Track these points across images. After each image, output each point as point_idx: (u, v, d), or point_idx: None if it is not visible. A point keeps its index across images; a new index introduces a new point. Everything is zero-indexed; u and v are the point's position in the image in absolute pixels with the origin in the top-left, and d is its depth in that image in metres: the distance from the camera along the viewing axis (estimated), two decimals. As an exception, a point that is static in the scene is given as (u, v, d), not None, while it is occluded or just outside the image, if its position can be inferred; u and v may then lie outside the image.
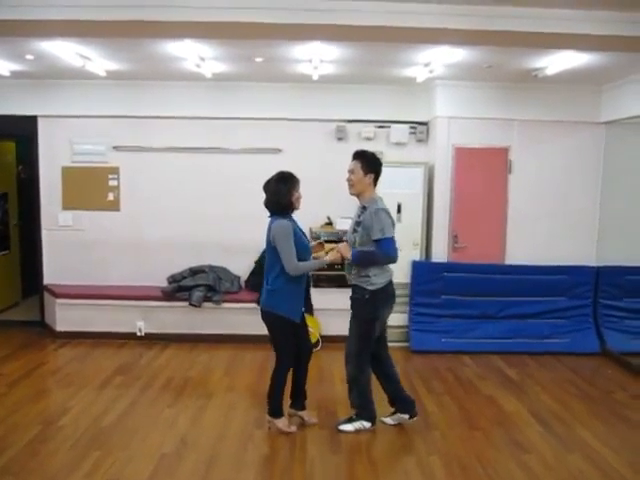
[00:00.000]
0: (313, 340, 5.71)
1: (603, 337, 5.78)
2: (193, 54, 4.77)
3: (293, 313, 3.79)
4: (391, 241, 3.78)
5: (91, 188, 6.24)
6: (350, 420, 3.94)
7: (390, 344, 5.79)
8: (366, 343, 3.86)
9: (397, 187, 5.80)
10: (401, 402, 4.02)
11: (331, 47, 4.53)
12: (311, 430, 3.93)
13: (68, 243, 6.27)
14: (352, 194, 3.90)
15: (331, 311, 5.84)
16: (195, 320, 5.85)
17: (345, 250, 3.81)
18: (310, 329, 5.72)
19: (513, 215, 6.01)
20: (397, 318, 5.89)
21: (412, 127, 6.18)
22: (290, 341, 3.83)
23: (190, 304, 5.77)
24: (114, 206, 6.27)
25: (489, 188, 5.99)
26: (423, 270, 5.85)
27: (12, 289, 7.14)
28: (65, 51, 4.65)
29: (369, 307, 3.81)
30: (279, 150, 6.17)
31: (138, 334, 5.93)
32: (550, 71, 5.01)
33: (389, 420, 4.04)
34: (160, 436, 3.80)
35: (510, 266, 5.95)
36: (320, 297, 5.85)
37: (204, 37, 4.31)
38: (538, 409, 4.35)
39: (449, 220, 5.96)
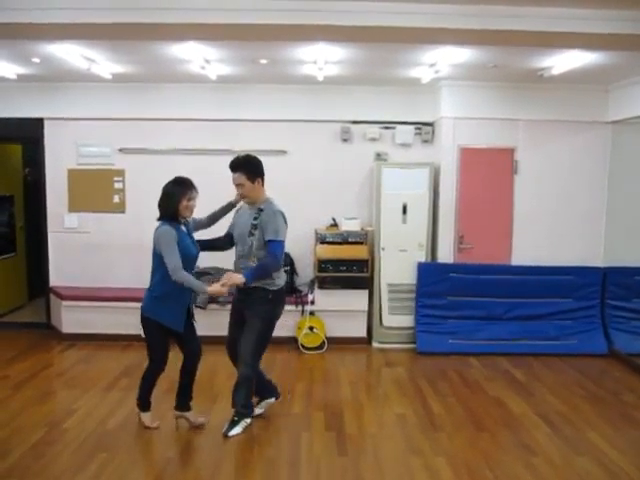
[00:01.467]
0: (318, 342, 5.74)
1: (611, 338, 5.74)
2: (198, 56, 4.78)
3: (176, 324, 3.74)
4: (282, 245, 3.79)
5: (97, 190, 6.25)
6: (234, 423, 3.85)
7: (396, 345, 5.86)
8: (264, 343, 3.88)
9: (402, 188, 5.79)
10: (263, 388, 4.11)
11: (336, 48, 4.52)
12: (316, 432, 3.92)
13: (74, 245, 6.28)
14: (248, 203, 3.87)
15: (336, 312, 5.84)
16: (201, 322, 5.77)
17: (234, 278, 3.64)
18: (315, 330, 5.75)
19: (519, 215, 5.97)
20: (403, 319, 5.90)
21: (417, 128, 6.17)
22: (164, 347, 3.82)
23: (195, 306, 5.75)
24: (120, 208, 6.28)
25: (495, 189, 5.96)
26: (429, 271, 5.83)
27: (18, 291, 7.16)
28: (71, 54, 4.67)
29: (271, 306, 3.83)
30: (284, 152, 6.16)
31: (143, 336, 5.92)
32: (556, 71, 4.98)
33: (258, 410, 4.07)
34: (165, 439, 3.80)
35: (516, 267, 5.92)
36: (325, 299, 5.84)
37: (209, 39, 4.32)
38: (545, 411, 4.32)
39: (455, 221, 5.94)
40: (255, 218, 3.77)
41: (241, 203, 4.01)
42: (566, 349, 5.65)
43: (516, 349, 5.64)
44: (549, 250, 5.96)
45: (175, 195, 3.68)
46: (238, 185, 3.80)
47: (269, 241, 3.71)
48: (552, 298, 5.82)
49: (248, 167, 3.80)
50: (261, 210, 3.78)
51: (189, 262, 3.69)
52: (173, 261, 3.55)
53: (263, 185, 3.88)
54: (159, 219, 3.74)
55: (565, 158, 5.97)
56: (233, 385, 3.90)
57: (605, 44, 4.16)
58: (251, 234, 3.76)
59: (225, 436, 3.80)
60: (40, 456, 3.51)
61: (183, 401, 3.97)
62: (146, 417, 3.93)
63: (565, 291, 5.82)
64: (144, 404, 3.93)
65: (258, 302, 3.79)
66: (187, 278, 3.58)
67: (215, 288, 3.65)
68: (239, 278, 3.64)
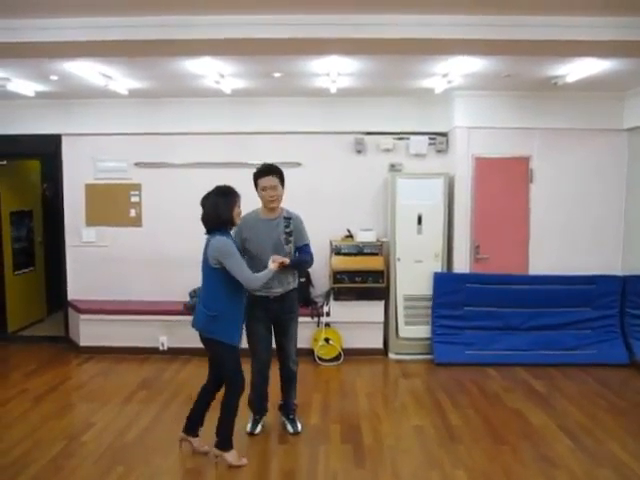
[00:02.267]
0: (334, 354, 5.72)
1: (631, 348, 5.64)
2: (212, 71, 4.84)
3: (236, 338, 3.57)
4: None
5: (114, 204, 6.33)
6: (295, 420, 4.14)
7: (413, 357, 5.83)
8: None
9: (417, 198, 5.78)
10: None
11: (348, 60, 4.55)
12: (333, 444, 3.90)
13: (91, 259, 6.35)
14: (271, 208, 3.89)
15: (352, 324, 5.83)
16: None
17: (279, 258, 3.70)
18: (331, 342, 5.74)
19: (535, 225, 5.93)
20: (420, 330, 5.86)
21: (431, 138, 6.17)
22: (238, 363, 3.57)
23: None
24: (136, 222, 6.35)
25: (510, 198, 5.93)
26: (445, 281, 5.80)
27: (37, 305, 7.25)
28: (88, 71, 4.75)
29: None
30: (299, 164, 6.19)
31: (161, 349, 5.97)
32: (570, 78, 4.95)
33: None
34: (183, 451, 3.80)
35: (533, 276, 5.87)
36: (341, 310, 5.83)
37: (223, 54, 4.37)
38: (566, 422, 4.26)
39: (470, 231, 5.91)
40: (287, 226, 3.88)
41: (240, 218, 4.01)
42: (585, 359, 5.57)
43: (535, 359, 5.58)
44: (566, 259, 5.90)
45: (227, 204, 3.52)
46: (272, 188, 3.82)
47: (306, 245, 3.98)
48: (570, 307, 5.75)
49: (281, 173, 3.92)
50: (289, 218, 3.90)
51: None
52: (244, 272, 3.43)
53: None
54: (208, 232, 3.56)
55: (581, 166, 5.92)
56: (285, 384, 4.15)
57: (620, 51, 4.14)
58: (287, 241, 3.87)
59: (297, 433, 4.04)
60: (59, 469, 3.53)
61: (196, 427, 3.74)
62: (232, 455, 3.58)
63: (583, 300, 5.75)
64: (229, 441, 3.58)
65: (296, 305, 4.05)
66: (262, 276, 3.55)
67: (274, 265, 3.61)
68: (284, 259, 3.71)
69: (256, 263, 3.75)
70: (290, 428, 4.08)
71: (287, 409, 4.16)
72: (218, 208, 3.51)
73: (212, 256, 3.46)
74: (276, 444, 3.93)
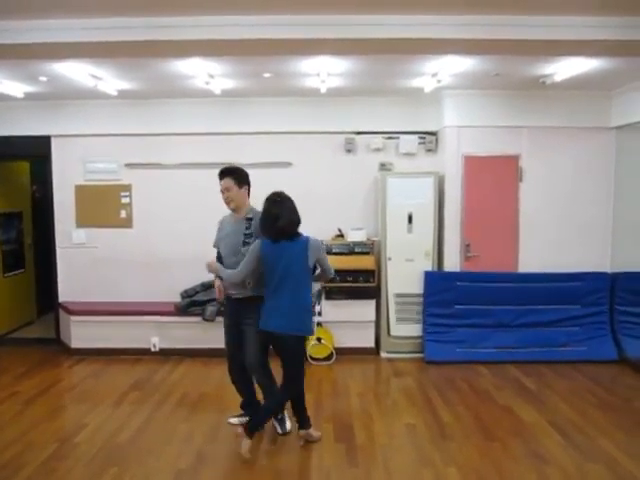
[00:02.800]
0: (326, 353, 5.74)
1: (621, 344, 5.70)
2: (202, 72, 4.84)
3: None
4: None
5: (104, 206, 6.31)
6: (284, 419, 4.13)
7: (404, 355, 5.85)
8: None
9: (407, 197, 5.81)
10: (252, 406, 4.16)
11: (338, 60, 4.57)
12: (327, 443, 3.91)
13: (82, 261, 6.33)
14: (232, 209, 3.96)
15: (344, 323, 5.85)
16: (209, 335, 5.85)
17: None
18: (323, 341, 5.75)
19: (525, 223, 5.97)
20: (411, 329, 5.89)
21: (421, 137, 6.20)
22: None
23: (204, 319, 5.78)
24: (127, 223, 6.33)
25: (500, 196, 5.97)
26: (435, 280, 5.83)
27: (28, 307, 7.21)
28: (77, 72, 4.74)
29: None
30: (289, 163, 6.20)
31: (152, 350, 5.96)
32: (559, 77, 4.99)
33: (236, 420, 4.17)
34: (176, 452, 3.80)
35: (523, 274, 5.91)
36: (332, 309, 5.85)
37: (212, 55, 4.38)
38: (556, 419, 4.29)
39: (460, 229, 5.94)
40: (247, 228, 3.88)
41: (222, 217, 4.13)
42: (575, 355, 5.63)
43: (525, 356, 5.62)
44: (556, 257, 5.95)
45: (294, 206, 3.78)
46: (225, 189, 3.91)
47: None
48: (560, 305, 5.80)
49: (236, 173, 3.96)
50: (250, 219, 3.90)
51: None
52: (329, 265, 3.86)
53: (249, 196, 4.01)
54: (289, 237, 3.70)
55: (570, 164, 5.97)
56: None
57: (608, 51, 4.18)
58: (245, 244, 3.84)
59: (285, 433, 4.04)
60: (52, 471, 3.52)
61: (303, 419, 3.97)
62: (315, 432, 3.97)
63: (573, 297, 5.80)
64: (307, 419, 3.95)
65: (255, 311, 3.83)
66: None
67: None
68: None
69: (227, 261, 3.90)
70: (279, 429, 4.07)
71: None
72: (296, 212, 3.76)
73: (316, 255, 3.74)
74: (268, 443, 3.94)
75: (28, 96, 5.71)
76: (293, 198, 3.82)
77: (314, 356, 5.75)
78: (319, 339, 5.76)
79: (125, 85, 5.41)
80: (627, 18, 3.76)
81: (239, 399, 4.23)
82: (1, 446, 3.87)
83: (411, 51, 4.28)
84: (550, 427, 4.14)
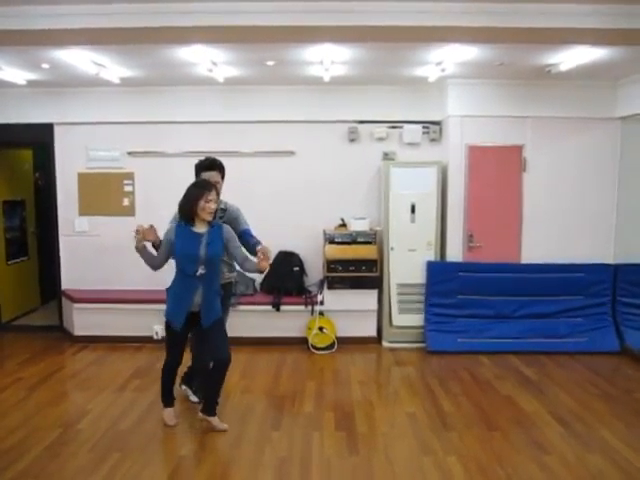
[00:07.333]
0: (328, 342, 5.75)
1: (622, 336, 5.70)
2: (205, 59, 4.81)
3: (174, 319, 4.04)
4: None
5: (107, 194, 6.31)
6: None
7: (406, 345, 5.86)
8: None
9: (410, 187, 5.79)
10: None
11: (342, 48, 4.54)
12: (327, 431, 3.93)
13: (85, 249, 6.34)
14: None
15: (346, 312, 5.85)
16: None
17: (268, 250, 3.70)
18: (325, 330, 5.76)
19: (528, 213, 5.95)
20: (413, 319, 5.90)
21: (425, 127, 6.16)
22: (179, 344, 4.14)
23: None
24: (129, 211, 6.33)
25: (503, 187, 5.95)
26: (438, 270, 5.83)
27: (31, 295, 7.24)
28: (80, 59, 4.72)
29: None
30: (292, 152, 6.19)
31: (155, 337, 5.98)
32: (564, 67, 4.96)
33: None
34: (178, 439, 3.83)
35: (526, 265, 5.90)
36: (334, 298, 5.86)
37: (216, 42, 4.35)
38: (557, 409, 4.30)
39: (463, 219, 5.93)
40: (221, 217, 3.97)
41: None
42: (577, 347, 5.63)
43: (527, 347, 5.63)
44: (559, 247, 5.93)
45: (192, 196, 3.73)
46: (217, 182, 3.97)
47: (246, 229, 4.07)
48: (562, 296, 5.80)
49: (222, 168, 4.08)
50: (224, 210, 4.02)
51: (186, 261, 3.86)
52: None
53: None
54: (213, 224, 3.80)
55: (574, 155, 5.94)
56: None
57: (613, 39, 4.14)
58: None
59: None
60: (55, 456, 3.55)
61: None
62: (166, 413, 4.04)
63: (575, 288, 5.80)
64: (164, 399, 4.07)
65: (227, 295, 4.05)
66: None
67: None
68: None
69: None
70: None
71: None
72: (185, 199, 3.83)
73: (226, 238, 3.81)
74: (270, 430, 3.96)
75: (30, 83, 5.70)
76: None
77: (316, 345, 5.77)
78: (321, 328, 5.77)
79: (128, 73, 5.38)
80: (631, 6, 3.72)
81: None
82: (6, 431, 3.90)
83: (415, 39, 4.24)
84: (551, 417, 4.15)
